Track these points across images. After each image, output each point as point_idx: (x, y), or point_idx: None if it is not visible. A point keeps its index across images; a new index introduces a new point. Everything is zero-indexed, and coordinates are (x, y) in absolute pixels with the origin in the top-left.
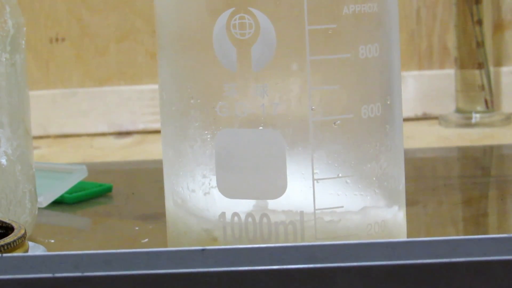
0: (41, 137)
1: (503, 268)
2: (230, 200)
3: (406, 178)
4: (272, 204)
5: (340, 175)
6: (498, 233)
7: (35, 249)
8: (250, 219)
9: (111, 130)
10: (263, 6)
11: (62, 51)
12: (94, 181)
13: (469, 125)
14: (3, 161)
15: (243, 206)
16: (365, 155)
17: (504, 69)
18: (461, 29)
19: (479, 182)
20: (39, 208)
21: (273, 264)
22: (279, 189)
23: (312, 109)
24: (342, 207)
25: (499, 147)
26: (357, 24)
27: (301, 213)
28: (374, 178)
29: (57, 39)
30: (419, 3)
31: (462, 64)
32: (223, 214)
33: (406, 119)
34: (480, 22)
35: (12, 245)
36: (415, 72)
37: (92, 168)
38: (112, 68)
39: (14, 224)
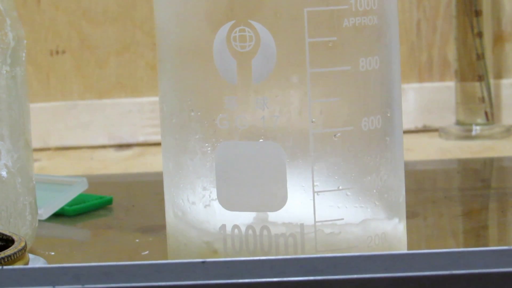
0: (41, 150)
1: (504, 281)
2: (230, 213)
3: (406, 190)
4: (273, 216)
5: (340, 187)
6: (499, 245)
7: (35, 262)
8: (250, 231)
9: (112, 142)
10: (263, 19)
11: (62, 63)
12: (95, 193)
13: (469, 137)
14: (4, 173)
15: (244, 218)
16: (365, 168)
17: (505, 82)
18: (461, 41)
19: (479, 194)
20: (39, 221)
21: (273, 277)
22: (280, 202)
23: (312, 122)
24: (343, 219)
25: (500, 159)
26: (357, 36)
27: (302, 225)
28: (375, 191)
29: (57, 52)
30: (419, 16)
31: (462, 76)
32: (223, 226)
33: (406, 131)
34: (480, 35)
35: (12, 258)
36: (415, 85)
37: (93, 180)
38: (112, 81)
39: (14, 237)
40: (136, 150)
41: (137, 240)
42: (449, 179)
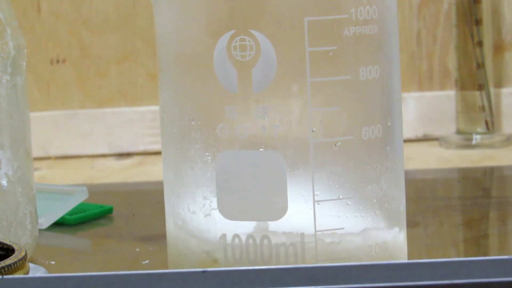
0: (41, 159)
1: None
2: (230, 222)
3: (406, 200)
4: (273, 225)
5: (340, 196)
6: (499, 255)
7: (35, 271)
8: (250, 241)
9: (112, 151)
10: (264, 28)
11: (62, 72)
12: (95, 202)
13: (469, 146)
14: (4, 182)
15: (244, 227)
16: (366, 177)
17: (505, 90)
18: (461, 50)
19: (479, 204)
20: (39, 230)
21: (273, 286)
22: (280, 211)
23: (312, 131)
24: (343, 228)
25: (500, 168)
26: (358, 46)
27: (302, 234)
28: (375, 200)
29: (57, 61)
30: (419, 25)
31: (462, 85)
32: (223, 235)
33: (407, 140)
34: (480, 44)
35: (12, 267)
36: (416, 94)
37: (93, 189)
38: (112, 90)
39: (14, 246)
40: (136, 159)
41: (137, 249)
42: (450, 188)
